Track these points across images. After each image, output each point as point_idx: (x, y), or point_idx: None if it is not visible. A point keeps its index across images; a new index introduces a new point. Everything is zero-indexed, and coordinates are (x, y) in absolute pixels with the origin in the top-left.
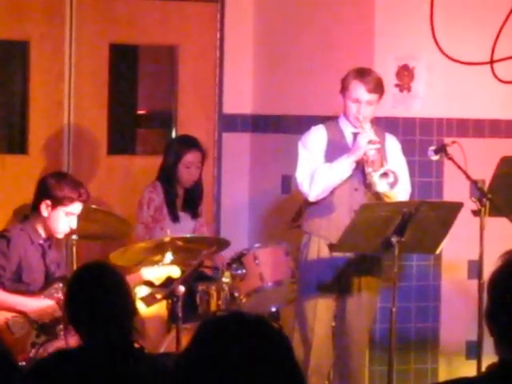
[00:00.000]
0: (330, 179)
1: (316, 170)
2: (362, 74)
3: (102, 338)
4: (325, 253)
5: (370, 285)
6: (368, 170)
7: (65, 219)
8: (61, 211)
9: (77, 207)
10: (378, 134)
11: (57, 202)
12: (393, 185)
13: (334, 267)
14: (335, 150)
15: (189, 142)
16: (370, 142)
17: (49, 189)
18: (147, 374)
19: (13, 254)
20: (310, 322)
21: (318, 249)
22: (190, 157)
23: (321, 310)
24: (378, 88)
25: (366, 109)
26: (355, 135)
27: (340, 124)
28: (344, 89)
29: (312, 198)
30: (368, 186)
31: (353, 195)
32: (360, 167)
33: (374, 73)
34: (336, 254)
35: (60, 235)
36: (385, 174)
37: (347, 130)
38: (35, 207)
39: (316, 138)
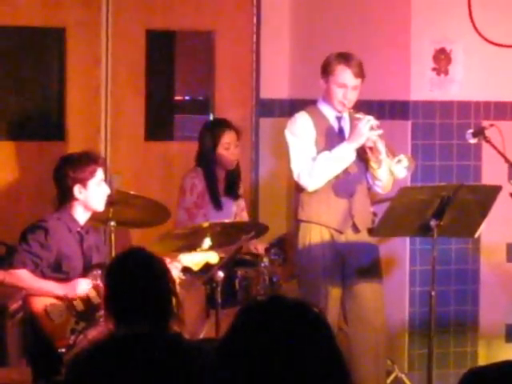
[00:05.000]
0: (332, 168)
1: (315, 160)
2: (347, 58)
3: (142, 325)
4: (327, 240)
5: (374, 270)
6: (379, 157)
7: (99, 190)
8: (92, 185)
9: (101, 173)
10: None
11: (85, 180)
12: (409, 169)
13: (337, 254)
14: (323, 135)
15: (222, 124)
16: (372, 128)
17: (72, 177)
18: (187, 361)
19: (51, 245)
20: None
21: (321, 236)
22: (227, 137)
23: (328, 300)
24: (362, 72)
25: (352, 93)
26: (339, 119)
27: (321, 109)
28: (328, 73)
29: (312, 188)
30: (369, 172)
31: (347, 178)
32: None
33: (357, 57)
34: (339, 240)
35: (102, 207)
36: (398, 161)
37: (330, 114)
38: (65, 197)
39: (304, 125)
